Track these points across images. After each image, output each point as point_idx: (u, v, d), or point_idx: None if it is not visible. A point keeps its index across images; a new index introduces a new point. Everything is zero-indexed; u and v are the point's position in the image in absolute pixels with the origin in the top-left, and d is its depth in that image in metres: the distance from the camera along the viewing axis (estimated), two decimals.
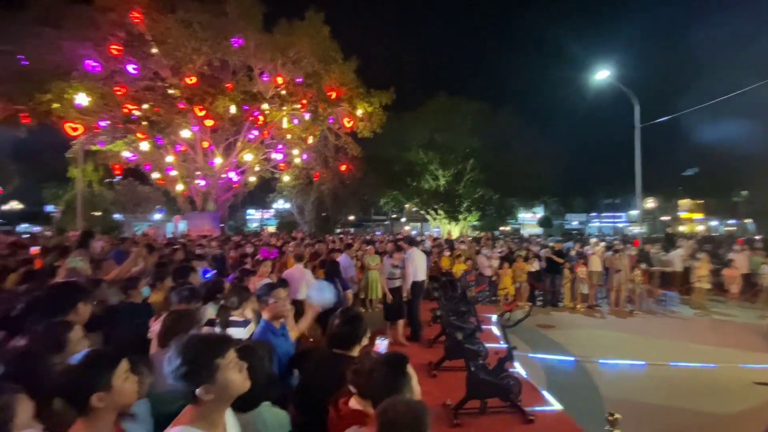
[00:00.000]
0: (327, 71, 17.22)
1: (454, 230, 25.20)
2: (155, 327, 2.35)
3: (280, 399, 2.05)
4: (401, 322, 6.51)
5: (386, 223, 41.20)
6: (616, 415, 2.56)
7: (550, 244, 12.05)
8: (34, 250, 6.98)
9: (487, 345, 5.46)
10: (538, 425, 3.94)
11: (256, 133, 17.66)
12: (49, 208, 28.49)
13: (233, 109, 15.80)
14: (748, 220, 30.24)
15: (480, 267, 10.06)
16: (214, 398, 1.27)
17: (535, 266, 10.23)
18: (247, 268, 4.77)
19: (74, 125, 14.22)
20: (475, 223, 28.97)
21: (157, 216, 31.45)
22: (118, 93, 14.81)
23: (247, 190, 21.40)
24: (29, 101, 13.84)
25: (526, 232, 34.13)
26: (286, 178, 21.32)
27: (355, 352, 2.15)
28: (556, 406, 4.45)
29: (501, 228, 31.62)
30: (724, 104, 12.86)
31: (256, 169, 19.35)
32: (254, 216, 41.43)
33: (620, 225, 38.36)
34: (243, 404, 1.49)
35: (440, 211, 25.92)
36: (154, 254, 5.06)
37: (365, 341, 2.25)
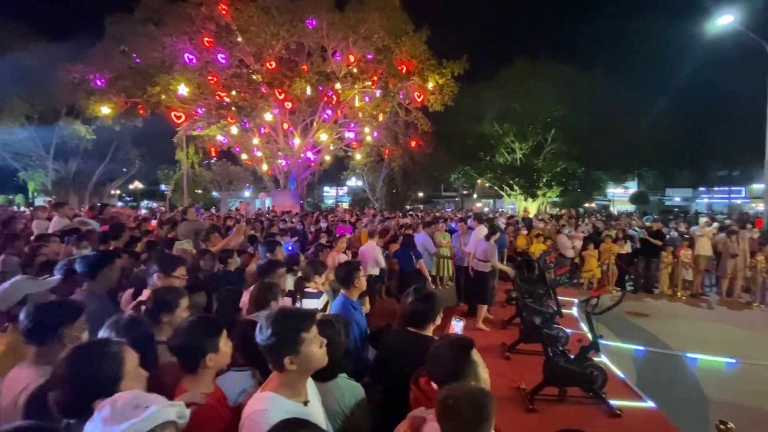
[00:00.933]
0: (397, 45, 16.99)
1: (532, 207, 23.66)
2: (245, 297, 2.62)
3: (356, 372, 2.18)
4: (483, 308, 6.21)
5: (456, 199, 40.27)
6: (730, 425, 2.24)
7: (647, 223, 10.73)
8: (153, 223, 8.22)
9: (568, 331, 5.15)
10: (626, 421, 3.65)
11: (330, 113, 18.24)
12: (163, 186, 33.08)
13: (309, 91, 16.48)
14: None
15: (561, 247, 9.38)
16: (297, 369, 1.38)
17: (626, 248, 9.25)
18: (322, 243, 5.05)
19: (178, 113, 16.16)
20: (556, 199, 26.89)
21: (247, 193, 34.72)
22: (211, 82, 16.36)
23: (322, 169, 22.48)
24: (143, 94, 15.98)
25: (615, 209, 30.82)
26: (358, 156, 21.88)
27: (429, 331, 2.17)
28: (648, 402, 4.07)
29: (586, 205, 28.93)
30: None
31: (331, 148, 20.13)
32: (330, 193, 43.46)
33: (738, 201, 32.46)
34: (322, 374, 1.61)
35: (516, 187, 24.51)
36: (248, 228, 5.64)
37: (438, 321, 2.26)
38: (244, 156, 20.67)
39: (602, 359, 4.81)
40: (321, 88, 16.89)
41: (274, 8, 16.09)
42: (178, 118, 16.29)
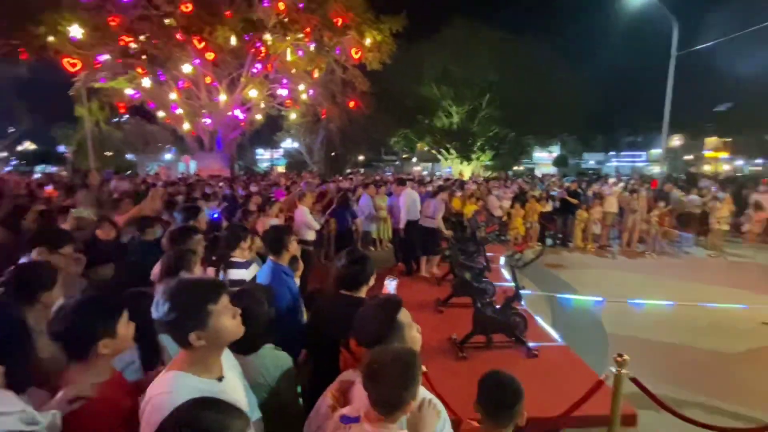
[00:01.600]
0: None
1: (466, 170, 24.68)
2: (156, 268, 2.33)
3: (290, 339, 2.07)
4: (435, 259, 6.72)
5: (396, 163, 40.55)
6: (625, 357, 2.56)
7: (566, 183, 11.71)
8: (49, 189, 7.07)
9: (496, 284, 5.52)
10: (542, 359, 4.06)
11: (259, 66, 16.74)
12: (61, 148, 28.64)
13: (233, 40, 14.85)
14: None
15: (491, 207, 9.92)
16: (206, 344, 1.22)
17: (548, 207, 10.06)
18: (247, 209, 4.73)
19: (72, 60, 13.68)
20: (488, 162, 28.23)
21: (168, 156, 31.49)
22: (112, 24, 13.96)
23: (254, 129, 20.92)
24: (24, 35, 13.20)
25: (540, 171, 33.32)
26: (292, 116, 20.65)
27: (362, 293, 2.10)
28: (559, 341, 4.56)
29: (514, 168, 30.85)
30: (765, 32, 11.47)
31: (262, 106, 18.66)
32: (264, 156, 41.12)
33: (639, 164, 36.99)
34: (243, 347, 1.47)
35: (452, 151, 25.21)
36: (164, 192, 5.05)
37: (372, 282, 2.20)
38: (161, 113, 18.39)
39: (524, 307, 5.25)
40: (247, 38, 15.31)
41: None
42: (73, 66, 13.80)
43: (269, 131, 27.20)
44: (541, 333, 4.77)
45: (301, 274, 2.88)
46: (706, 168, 29.47)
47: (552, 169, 34.30)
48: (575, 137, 33.01)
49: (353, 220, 6.41)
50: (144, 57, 14.47)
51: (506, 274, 7.10)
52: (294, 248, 2.68)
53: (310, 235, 5.62)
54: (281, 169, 31.72)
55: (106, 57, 14.45)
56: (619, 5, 13.60)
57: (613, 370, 2.58)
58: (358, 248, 2.29)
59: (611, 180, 10.76)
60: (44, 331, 1.41)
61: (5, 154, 28.40)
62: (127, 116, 24.68)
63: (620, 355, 2.59)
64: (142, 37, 14.28)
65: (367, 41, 16.66)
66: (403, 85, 23.10)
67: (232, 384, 1.32)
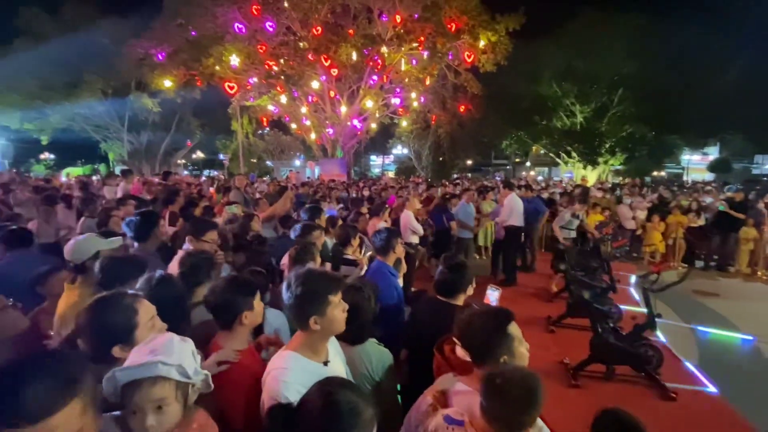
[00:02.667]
0: (446, 0, 15.90)
1: (591, 175, 21.94)
2: (285, 258, 2.72)
3: (393, 336, 2.20)
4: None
5: (508, 167, 38.42)
6: None
7: (728, 193, 9.52)
8: (211, 190, 8.82)
9: (623, 307, 4.82)
10: (682, 406, 3.39)
11: (375, 78, 17.87)
12: (221, 156, 35.11)
13: (354, 56, 16.19)
14: None
15: (621, 218, 8.66)
16: (320, 329, 1.40)
17: (698, 221, 8.32)
18: (359, 210, 5.09)
19: (231, 84, 16.75)
20: (619, 167, 24.64)
21: (297, 162, 35.83)
22: (261, 51, 16.62)
23: (369, 137, 22.37)
24: (199, 66, 16.68)
25: (690, 177, 27.69)
26: (404, 123, 21.41)
27: (460, 301, 2.12)
28: (710, 387, 3.74)
29: (654, 173, 26.27)
30: None
31: (377, 115, 19.87)
32: (376, 162, 43.49)
33: None
34: (352, 338, 1.62)
35: (574, 153, 22.74)
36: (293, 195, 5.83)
37: (470, 291, 2.18)
38: (293, 125, 21.15)
39: (660, 339, 4.47)
40: (366, 52, 16.50)
41: None
42: (231, 88, 16.89)
43: (382, 139, 28.69)
44: (682, 373, 3.99)
45: (404, 275, 3.01)
46: None
47: (708, 176, 28.08)
48: (742, 135, 26.32)
49: (449, 222, 6.46)
50: (282, 77, 16.83)
51: (637, 297, 6.13)
52: (400, 250, 2.82)
53: (414, 239, 5.78)
54: (391, 174, 33.16)
55: (254, 80, 17.28)
56: None
57: None
58: (456, 255, 2.29)
59: None
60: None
61: (183, 161, 36.12)
62: (268, 129, 28.93)
63: None
64: (282, 60, 16.63)
65: (481, 43, 16.31)
66: (519, 86, 21.83)
67: (337, 369, 1.50)
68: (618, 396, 3.52)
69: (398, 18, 16.47)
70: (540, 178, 27.82)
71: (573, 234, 6.46)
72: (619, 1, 20.55)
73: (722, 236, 8.17)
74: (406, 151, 30.71)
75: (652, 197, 10.14)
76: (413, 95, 18.64)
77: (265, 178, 18.24)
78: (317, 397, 1.03)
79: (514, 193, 6.79)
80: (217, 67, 16.41)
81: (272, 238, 4.10)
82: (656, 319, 4.03)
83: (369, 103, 18.23)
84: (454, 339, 1.63)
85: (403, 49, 16.30)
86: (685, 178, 28.31)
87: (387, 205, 5.25)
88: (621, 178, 22.94)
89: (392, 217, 5.99)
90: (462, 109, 19.61)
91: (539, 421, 1.27)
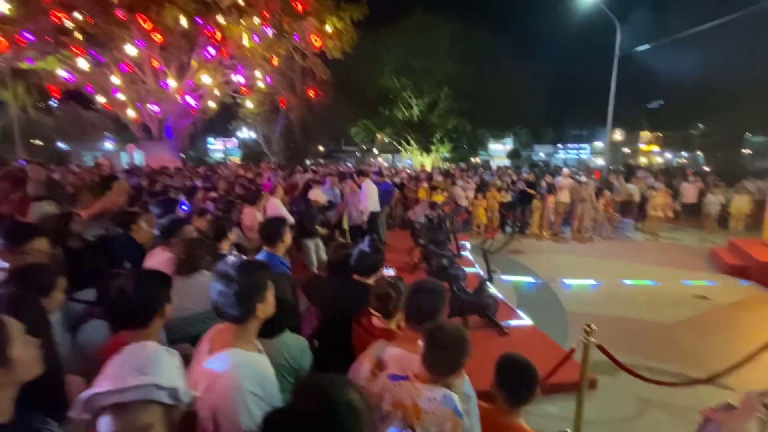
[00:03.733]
0: None
1: (427, 162, 25.14)
2: (159, 258, 2.23)
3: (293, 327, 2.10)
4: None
5: (357, 154, 40.34)
6: (593, 327, 2.85)
7: (524, 175, 12.37)
8: None
9: (466, 269, 5.77)
10: (513, 338, 4.36)
11: (213, 51, 15.84)
12: None
13: (184, 22, 13.95)
14: (699, 153, 32.31)
15: (456, 198, 10.27)
16: (262, 317, 1.38)
17: (507, 197, 10.60)
18: (232, 200, 4.59)
19: None
20: (447, 154, 28.95)
21: (108, 145, 29.06)
22: None
23: (207, 118, 19.86)
24: None
25: (494, 163, 34.73)
26: (249, 104, 19.85)
27: (371, 280, 2.22)
28: (527, 321, 4.91)
29: (472, 159, 31.89)
30: (692, 38, 12.80)
31: (216, 93, 17.74)
32: (216, 146, 39.15)
33: (584, 156, 39.78)
34: (269, 330, 1.50)
35: (413, 142, 25.55)
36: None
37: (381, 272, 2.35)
38: (101, 99, 16.87)
39: (493, 290, 5.57)
40: (200, 21, 14.43)
41: None
42: None
43: (223, 120, 25.91)
44: (509, 313, 5.09)
45: None
46: (642, 160, 32.38)
47: (506, 161, 35.83)
48: (527, 130, 34.68)
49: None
50: (79, 36, 13.17)
51: (474, 260, 7.45)
52: (288, 239, 2.69)
53: None
54: (236, 159, 30.41)
55: (32, 35, 12.97)
56: (568, 7, 14.44)
57: (583, 339, 2.86)
58: (378, 238, 2.45)
59: (564, 171, 11.54)
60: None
61: None
62: (58, 101, 22.41)
63: (589, 326, 2.88)
64: (77, 14, 12.97)
65: (328, 29, 16.34)
66: (364, 75, 22.97)
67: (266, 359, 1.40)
68: (474, 339, 4.25)
69: None
70: (386, 164, 30.23)
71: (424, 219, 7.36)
72: (443, 9, 23.62)
73: (522, 208, 10.67)
74: (253, 134, 28.62)
75: (476, 180, 12.33)
76: (258, 74, 17.35)
77: (70, 167, 13.95)
78: (312, 398, 0.95)
79: (369, 180, 7.29)
80: None
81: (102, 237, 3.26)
82: (492, 274, 5.05)
83: (206, 79, 16.10)
84: (371, 310, 1.73)
85: (244, 21, 14.88)
86: (491, 163, 35.32)
87: (263, 193, 4.84)
88: (449, 164, 26.98)
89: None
90: (312, 93, 19.40)
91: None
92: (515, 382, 1.63)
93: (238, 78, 17.47)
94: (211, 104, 18.27)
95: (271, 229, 2.64)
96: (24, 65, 14.71)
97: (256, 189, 5.70)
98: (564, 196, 10.40)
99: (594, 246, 9.59)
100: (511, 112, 25.57)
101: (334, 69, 18.45)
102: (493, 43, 24.10)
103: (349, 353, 1.80)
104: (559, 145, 42.12)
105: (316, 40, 16.47)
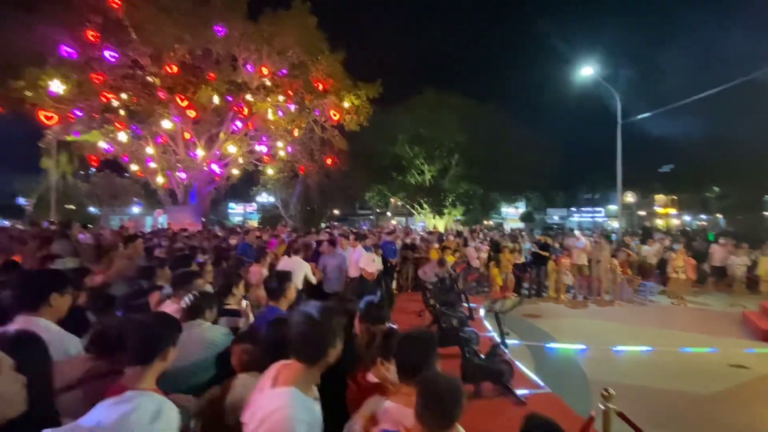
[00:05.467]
0: (314, 63, 17.05)
1: (439, 224, 25.44)
2: (168, 309, 2.31)
3: None
4: None
5: (371, 217, 41.14)
6: (611, 391, 2.67)
7: (536, 237, 12.30)
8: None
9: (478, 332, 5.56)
10: (530, 407, 4.05)
11: (239, 124, 17.31)
12: (21, 200, 27.27)
13: (216, 100, 15.49)
14: (719, 215, 31.63)
15: (469, 258, 10.21)
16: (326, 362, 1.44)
17: (521, 258, 10.46)
18: (241, 257, 4.73)
19: (48, 114, 13.65)
20: (460, 217, 29.28)
21: (135, 209, 30.58)
22: (96, 81, 14.27)
23: (229, 184, 21.03)
24: (1, 88, 13.19)
25: (508, 226, 34.72)
26: (270, 171, 21.04)
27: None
28: (545, 388, 4.59)
29: (485, 222, 32.07)
30: (699, 102, 13.34)
31: (240, 161, 19.01)
32: (236, 210, 40.70)
33: (599, 219, 39.47)
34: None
35: (425, 205, 26.13)
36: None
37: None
38: (134, 167, 18.23)
39: (507, 355, 5.29)
40: (230, 99, 16.00)
41: (177, 10, 14.79)
42: (49, 119, 13.73)
43: (245, 186, 27.29)
44: (526, 381, 4.79)
45: None
46: (659, 222, 31.85)
47: (519, 224, 35.84)
48: (539, 194, 35.16)
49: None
50: (123, 113, 14.67)
51: (487, 324, 7.17)
52: (292, 295, 2.73)
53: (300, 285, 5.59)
54: (254, 223, 31.38)
55: (81, 112, 14.52)
56: (573, 79, 15.46)
57: (602, 406, 2.67)
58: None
59: (577, 233, 11.44)
60: None
61: None
62: (95, 169, 24.23)
63: (606, 390, 2.70)
64: (124, 95, 14.60)
65: (346, 104, 17.80)
66: (379, 145, 24.42)
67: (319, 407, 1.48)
68: (486, 409, 3.97)
69: (265, 70, 16.74)
70: (400, 226, 30.60)
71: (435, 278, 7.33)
72: (453, 84, 25.86)
73: (537, 270, 10.46)
74: (272, 199, 29.83)
75: (487, 241, 12.32)
76: (280, 144, 18.66)
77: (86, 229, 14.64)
78: None
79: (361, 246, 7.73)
80: (29, 93, 13.28)
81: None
82: (506, 337, 4.84)
83: (232, 149, 17.37)
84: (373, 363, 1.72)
85: (269, 99, 16.42)
86: (504, 226, 35.34)
87: (268, 251, 4.99)
88: (462, 227, 27.13)
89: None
90: (329, 162, 20.53)
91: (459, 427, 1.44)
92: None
93: (261, 148, 18.78)
94: (235, 171, 19.47)
95: (275, 283, 2.70)
96: (70, 138, 16.27)
97: (261, 247, 5.87)
98: (580, 258, 10.21)
99: (615, 310, 9.15)
100: (520, 177, 26.25)
101: (351, 139, 19.73)
102: (501, 113, 25.65)
103: (343, 411, 1.74)
104: (573, 209, 42.15)
105: (334, 115, 17.88)
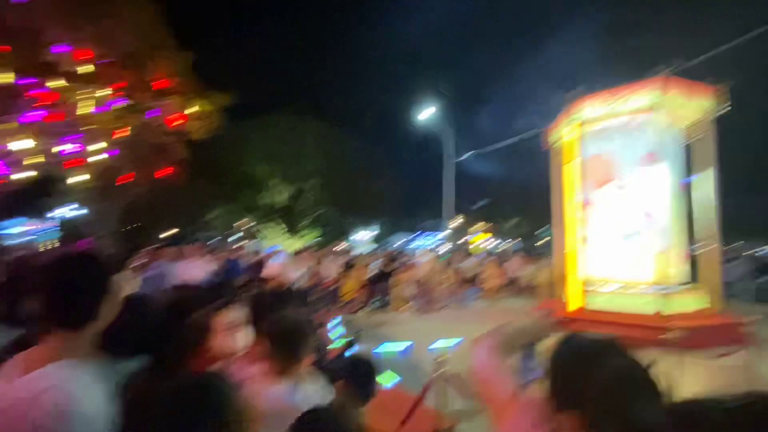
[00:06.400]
0: (152, 56, 14.90)
1: (294, 247, 24.95)
2: None
3: None
4: None
5: (216, 238, 37.22)
6: (445, 356, 3.08)
7: (383, 254, 13.38)
8: None
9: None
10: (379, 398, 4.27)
11: (40, 113, 13.54)
12: None
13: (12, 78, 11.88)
14: (517, 240, 41.30)
15: (323, 273, 10.32)
16: None
17: (370, 274, 11.18)
18: None
19: None
20: (315, 240, 29.39)
21: None
22: None
23: (15, 189, 15.96)
24: None
25: (362, 249, 36.69)
26: (79, 178, 16.94)
27: None
28: (393, 382, 4.94)
29: (341, 245, 33.08)
30: (505, 149, 17.27)
31: (36, 161, 14.72)
32: (26, 228, 30.92)
33: (434, 244, 45.82)
34: None
35: (279, 228, 25.35)
36: None
37: None
38: None
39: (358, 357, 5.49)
40: (31, 80, 12.50)
41: None
42: None
43: (37, 194, 21.18)
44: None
45: None
46: (475, 246, 39.19)
47: (371, 247, 38.33)
48: (388, 220, 38.69)
49: None
50: None
51: (338, 331, 7.30)
52: None
53: None
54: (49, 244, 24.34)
55: None
56: (417, 116, 17.89)
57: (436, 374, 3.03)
58: None
59: (418, 251, 13.06)
60: None
61: None
62: None
63: (438, 359, 3.08)
64: None
65: (192, 110, 16.06)
66: (230, 159, 22.64)
67: None
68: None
69: (82, 56, 13.72)
70: (246, 250, 28.62)
71: None
72: (314, 108, 26.29)
73: (383, 284, 11.31)
74: (77, 212, 23.86)
75: (343, 258, 12.79)
76: (97, 146, 15.29)
77: None
78: None
79: None
80: None
81: None
82: (354, 342, 5.04)
83: (26, 143, 13.39)
84: None
85: (90, 90, 13.48)
86: (357, 249, 37.26)
87: None
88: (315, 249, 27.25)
89: None
90: (165, 172, 17.84)
91: None
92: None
93: (66, 147, 14.97)
94: (26, 174, 14.90)
95: None
96: None
97: None
98: (420, 272, 11.55)
99: (447, 313, 10.59)
100: (373, 204, 28.27)
101: (197, 148, 17.75)
102: (358, 140, 27.41)
103: None
104: (414, 234, 47.84)
105: (175, 120, 15.86)
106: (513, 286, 14.22)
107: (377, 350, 6.74)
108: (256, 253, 15.51)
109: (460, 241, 42.34)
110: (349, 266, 11.34)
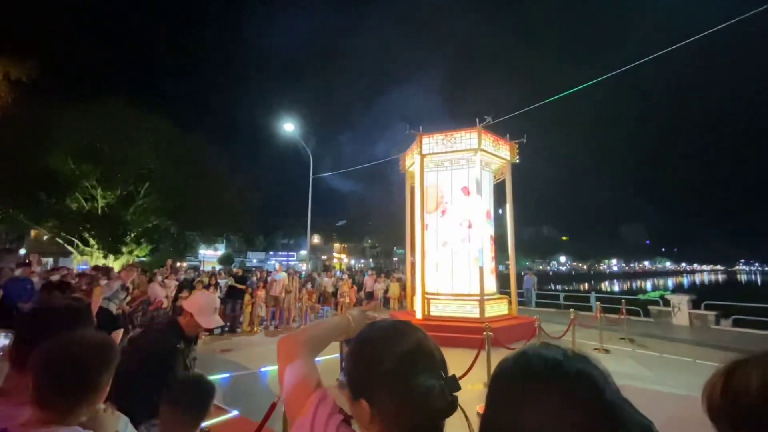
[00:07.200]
0: None
1: (116, 265, 20.12)
2: None
3: None
4: None
5: None
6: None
7: (233, 270, 12.09)
8: None
9: None
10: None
11: None
12: None
13: None
14: (371, 259, 43.31)
15: (153, 295, 8.54)
16: None
17: (217, 293, 9.84)
18: None
19: None
20: (144, 258, 24.46)
21: None
22: None
23: None
24: None
25: (206, 269, 32.58)
26: None
27: None
28: (233, 412, 4.31)
29: (178, 264, 28.46)
30: (371, 169, 18.16)
31: None
32: None
33: (292, 262, 44.26)
34: None
35: (93, 241, 20.16)
36: None
37: None
38: None
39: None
40: None
41: None
42: None
43: None
44: (215, 411, 4.31)
45: None
46: (336, 262, 39.53)
47: (218, 267, 34.40)
48: (240, 237, 35.34)
49: None
50: None
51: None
52: None
53: None
54: None
55: None
56: (277, 131, 17.20)
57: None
58: None
59: (277, 266, 12.25)
60: None
61: None
62: None
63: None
64: None
65: None
66: (25, 150, 16.98)
67: None
68: None
69: None
70: (39, 268, 21.90)
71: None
72: (148, 100, 22.28)
73: (232, 303, 10.12)
74: None
75: (180, 276, 10.94)
76: None
77: None
78: None
79: None
80: None
81: None
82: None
83: None
84: None
85: None
86: (201, 268, 32.84)
87: None
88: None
89: None
90: None
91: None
92: None
93: None
94: None
95: None
96: None
97: None
98: (275, 290, 10.79)
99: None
100: (223, 219, 25.40)
101: None
102: (208, 148, 24.44)
103: None
104: (271, 252, 45.26)
105: None
106: (366, 301, 14.75)
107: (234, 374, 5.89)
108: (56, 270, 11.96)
109: (318, 259, 42.17)
110: (184, 286, 9.77)
